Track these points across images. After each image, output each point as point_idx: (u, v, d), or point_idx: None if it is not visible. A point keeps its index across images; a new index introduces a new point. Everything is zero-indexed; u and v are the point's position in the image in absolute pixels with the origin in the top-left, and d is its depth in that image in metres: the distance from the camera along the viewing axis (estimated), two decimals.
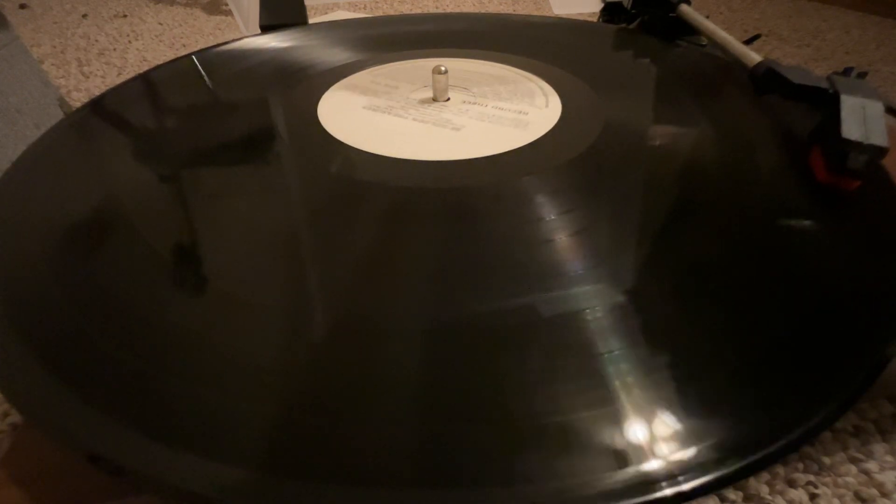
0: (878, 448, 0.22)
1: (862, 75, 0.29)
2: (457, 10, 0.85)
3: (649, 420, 0.17)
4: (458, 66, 0.39)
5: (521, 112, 0.33)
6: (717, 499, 0.21)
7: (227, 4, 0.83)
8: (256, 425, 0.17)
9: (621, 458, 0.16)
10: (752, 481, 0.21)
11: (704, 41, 0.41)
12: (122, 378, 0.19)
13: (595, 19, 0.50)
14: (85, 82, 0.62)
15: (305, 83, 0.37)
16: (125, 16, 0.83)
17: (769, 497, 0.21)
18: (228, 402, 0.18)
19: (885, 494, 0.21)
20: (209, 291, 0.22)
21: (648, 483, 0.16)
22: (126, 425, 0.17)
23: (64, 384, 0.19)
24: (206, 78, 0.38)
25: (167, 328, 0.21)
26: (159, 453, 0.17)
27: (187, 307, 0.21)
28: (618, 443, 0.17)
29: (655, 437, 0.17)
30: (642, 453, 0.16)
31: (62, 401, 0.18)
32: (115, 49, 0.71)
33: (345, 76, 0.38)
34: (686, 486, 0.16)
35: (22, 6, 0.85)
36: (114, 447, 0.17)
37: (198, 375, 0.19)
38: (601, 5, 0.48)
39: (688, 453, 0.16)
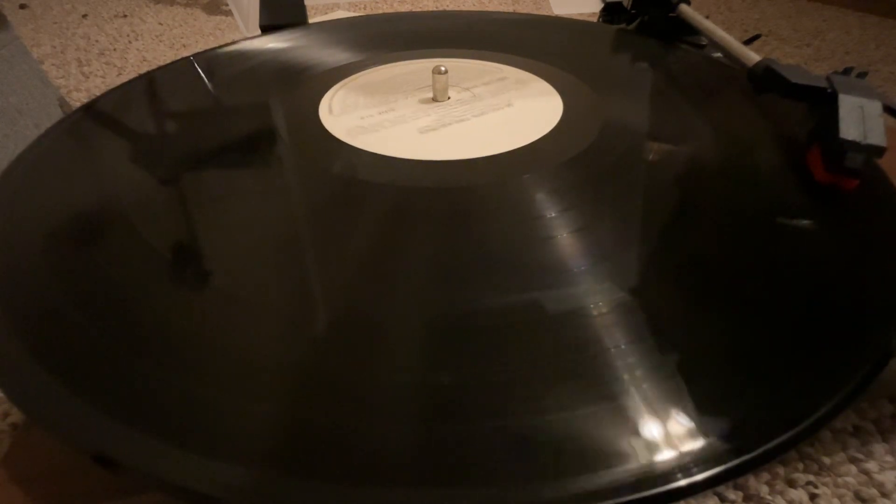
0: (878, 448, 0.22)
1: (862, 75, 0.29)
2: (456, 9, 0.84)
3: (652, 416, 0.17)
4: (459, 66, 0.39)
5: (521, 111, 0.33)
6: (717, 499, 0.21)
7: (227, 4, 0.83)
8: (260, 424, 0.17)
9: (624, 453, 0.16)
10: (752, 481, 0.21)
11: (704, 41, 0.41)
12: (124, 377, 0.19)
13: (595, 19, 0.50)
14: (85, 82, 0.62)
15: (306, 83, 0.37)
16: (125, 16, 0.83)
17: (769, 497, 0.21)
18: (232, 400, 0.18)
19: (885, 494, 0.21)
20: (212, 291, 0.22)
21: (651, 479, 0.16)
22: (129, 423, 0.17)
23: (65, 383, 0.19)
24: (205, 80, 0.38)
25: (170, 328, 0.21)
26: (162, 451, 0.17)
27: (191, 307, 0.21)
28: (620, 438, 0.17)
29: (658, 433, 0.17)
30: (645, 449, 0.16)
31: (64, 399, 0.18)
32: (115, 49, 0.71)
33: (345, 76, 0.38)
34: (685, 482, 0.16)
35: (22, 6, 0.85)
36: (117, 445, 0.17)
37: (201, 374, 0.19)
38: (601, 5, 0.48)
39: (689, 448, 0.16)
